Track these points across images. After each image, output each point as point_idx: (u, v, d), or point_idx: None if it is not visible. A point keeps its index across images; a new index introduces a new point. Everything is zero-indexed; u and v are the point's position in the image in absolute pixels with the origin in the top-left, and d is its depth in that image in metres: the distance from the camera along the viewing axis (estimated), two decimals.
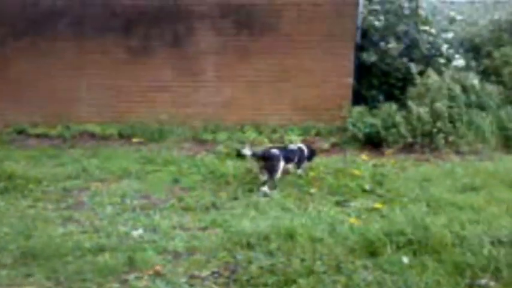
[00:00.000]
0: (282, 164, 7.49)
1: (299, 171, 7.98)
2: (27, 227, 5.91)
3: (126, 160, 8.70)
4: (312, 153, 8.28)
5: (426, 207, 6.43)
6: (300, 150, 8.04)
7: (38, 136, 10.31)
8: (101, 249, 5.38)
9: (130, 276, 4.82)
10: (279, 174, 7.49)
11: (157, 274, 4.86)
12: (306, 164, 8.14)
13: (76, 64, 10.74)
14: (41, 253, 5.23)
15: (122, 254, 5.26)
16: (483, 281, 4.58)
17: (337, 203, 6.82)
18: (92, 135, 10.39)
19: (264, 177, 7.41)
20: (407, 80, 10.44)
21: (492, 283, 4.56)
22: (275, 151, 7.59)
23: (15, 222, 6.10)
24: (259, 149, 8.11)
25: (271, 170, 7.39)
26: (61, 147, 9.66)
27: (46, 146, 9.68)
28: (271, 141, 9.81)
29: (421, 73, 10.19)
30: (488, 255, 4.89)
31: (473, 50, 11.38)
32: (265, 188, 7.21)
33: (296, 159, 7.89)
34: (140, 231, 5.92)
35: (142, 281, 4.75)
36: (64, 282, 4.74)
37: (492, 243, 5.15)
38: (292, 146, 8.19)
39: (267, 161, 7.45)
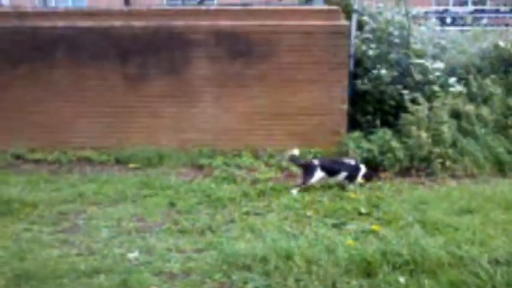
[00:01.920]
0: (318, 173, 8.32)
1: (350, 186, 8.38)
2: (21, 249, 5.84)
3: (122, 185, 8.60)
4: (371, 174, 8.66)
5: (422, 229, 6.34)
6: (356, 166, 8.57)
7: (35, 161, 10.22)
8: (96, 272, 5.32)
9: None
10: (313, 181, 8.31)
11: None
12: (358, 181, 8.50)
13: (73, 91, 10.70)
14: (35, 275, 5.17)
15: (117, 276, 5.20)
16: None
17: (334, 226, 6.74)
18: (89, 161, 10.29)
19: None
20: (400, 106, 10.42)
21: None
22: (314, 161, 8.56)
23: (9, 245, 6.02)
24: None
25: (305, 175, 8.37)
26: (58, 173, 9.56)
27: (43, 171, 9.58)
28: (267, 165, 9.74)
29: (414, 100, 10.18)
30: (486, 274, 4.80)
31: (464, 78, 11.37)
32: (294, 190, 8.15)
33: (346, 174, 8.43)
34: (136, 253, 5.84)
35: None
36: None
37: (489, 263, 5.07)
38: (346, 160, 8.74)
39: (303, 167, 8.46)
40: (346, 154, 9.61)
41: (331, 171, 8.41)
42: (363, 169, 8.58)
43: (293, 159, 8.57)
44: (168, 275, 5.24)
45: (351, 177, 8.44)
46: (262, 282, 4.89)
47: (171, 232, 6.57)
